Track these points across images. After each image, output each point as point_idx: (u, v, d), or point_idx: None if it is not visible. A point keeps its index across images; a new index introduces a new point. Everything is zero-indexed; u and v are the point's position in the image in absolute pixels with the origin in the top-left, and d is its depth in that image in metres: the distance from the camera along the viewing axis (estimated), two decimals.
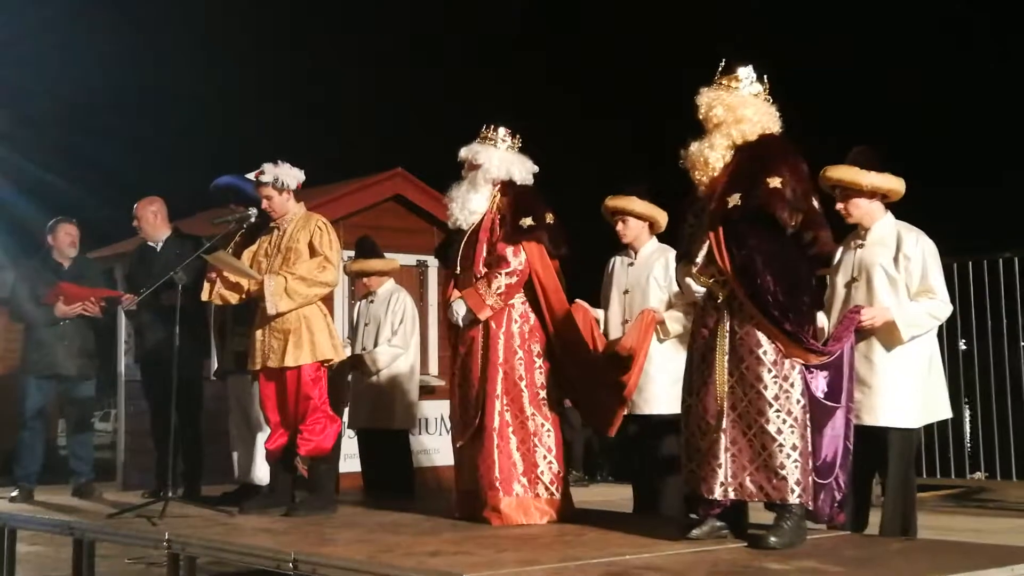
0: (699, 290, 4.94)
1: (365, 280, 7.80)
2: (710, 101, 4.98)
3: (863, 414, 5.32)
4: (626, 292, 6.56)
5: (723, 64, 5.06)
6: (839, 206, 5.50)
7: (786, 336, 4.77)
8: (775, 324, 4.76)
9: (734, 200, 4.81)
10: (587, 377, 5.95)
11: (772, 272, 4.77)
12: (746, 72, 5.04)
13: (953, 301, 5.67)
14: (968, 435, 10.57)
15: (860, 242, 5.55)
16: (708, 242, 4.91)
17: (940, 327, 5.67)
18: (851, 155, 5.57)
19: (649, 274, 6.45)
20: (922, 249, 5.45)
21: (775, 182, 4.75)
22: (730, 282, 4.83)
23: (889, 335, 5.36)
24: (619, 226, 6.60)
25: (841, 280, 5.54)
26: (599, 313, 6.64)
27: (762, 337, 4.79)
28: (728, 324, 4.84)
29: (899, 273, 5.43)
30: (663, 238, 6.60)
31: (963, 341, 10.42)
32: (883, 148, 5.62)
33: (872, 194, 5.50)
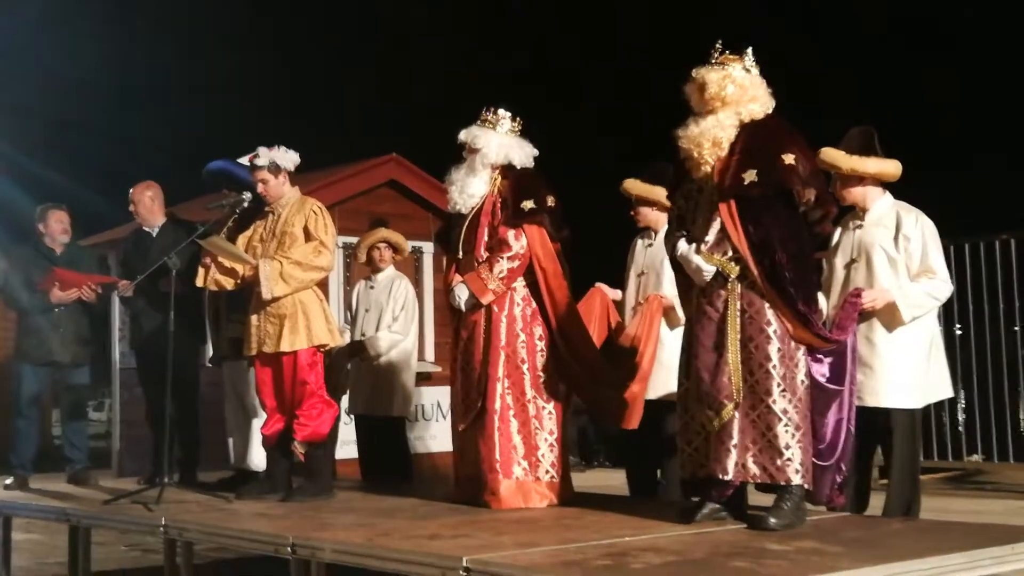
0: (709, 270, 4.86)
1: (377, 257, 7.71)
2: (720, 79, 4.93)
3: (865, 396, 5.31)
4: (641, 274, 6.55)
5: (721, 44, 5.03)
6: (836, 188, 5.48)
7: (797, 318, 4.76)
8: (789, 305, 4.75)
9: (750, 176, 4.77)
10: (589, 374, 5.91)
11: (788, 251, 4.77)
12: (749, 52, 5.01)
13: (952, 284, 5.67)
14: (964, 418, 10.58)
15: (859, 223, 5.54)
16: (718, 220, 4.86)
17: (936, 309, 5.66)
18: (848, 136, 5.56)
19: (664, 257, 6.41)
20: (922, 229, 5.44)
21: (789, 159, 4.75)
22: (744, 259, 4.79)
23: (890, 316, 5.35)
24: (633, 211, 6.61)
25: (840, 261, 5.53)
26: (618, 294, 6.63)
27: (771, 316, 4.77)
28: (739, 303, 4.82)
29: (899, 254, 5.42)
30: None
31: (959, 325, 10.43)
32: (876, 130, 5.60)
33: (864, 178, 5.49)
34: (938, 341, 5.56)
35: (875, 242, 5.44)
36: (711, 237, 4.89)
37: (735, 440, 4.73)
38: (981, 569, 4.23)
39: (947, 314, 10.10)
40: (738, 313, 4.80)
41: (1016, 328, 10.18)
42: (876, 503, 5.52)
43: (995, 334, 10.10)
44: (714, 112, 4.93)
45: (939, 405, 9.59)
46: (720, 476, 4.73)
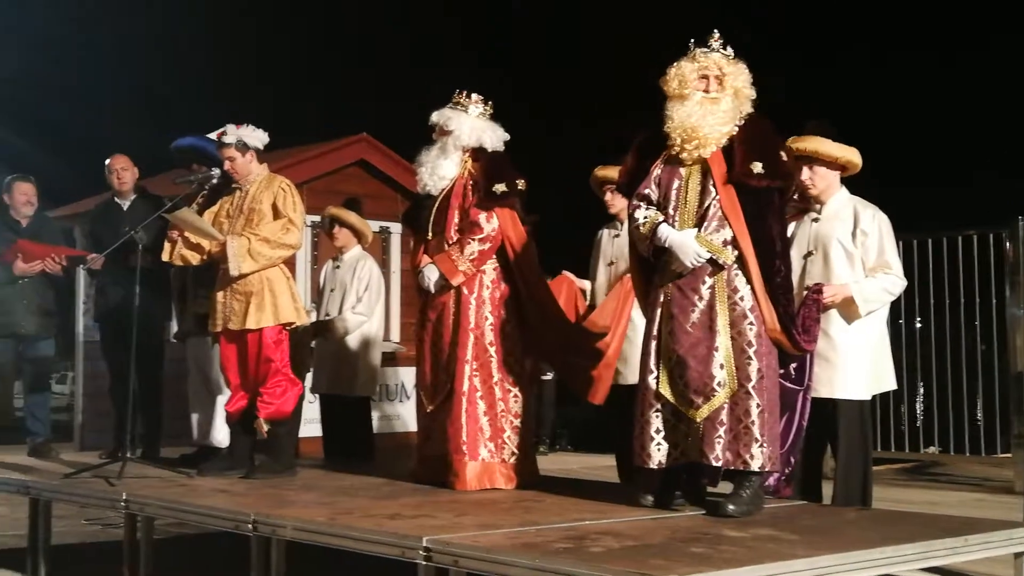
0: (704, 255, 4.84)
1: (336, 240, 7.72)
2: (738, 69, 4.98)
3: (819, 386, 5.37)
4: (611, 264, 6.58)
5: (718, 33, 5.06)
6: (804, 176, 5.50)
7: (779, 316, 4.83)
8: (777, 302, 4.83)
9: (758, 168, 4.82)
10: (562, 343, 5.98)
11: (783, 245, 4.88)
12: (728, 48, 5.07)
13: (910, 278, 5.73)
14: (923, 410, 10.69)
15: (816, 216, 5.57)
16: (715, 207, 4.88)
17: (896, 304, 5.72)
18: (811, 126, 5.58)
19: None
20: (878, 224, 5.49)
21: (784, 156, 4.84)
22: (741, 248, 4.82)
23: (847, 310, 5.41)
24: (607, 196, 6.62)
25: (797, 253, 5.54)
26: (586, 284, 6.66)
27: (753, 302, 4.82)
28: (726, 290, 4.85)
29: (856, 248, 5.47)
30: None
31: (919, 319, 10.53)
32: (834, 121, 5.65)
33: (837, 166, 5.53)
34: (885, 334, 5.63)
35: (832, 235, 5.48)
36: (712, 223, 4.88)
37: (726, 426, 4.75)
38: (935, 559, 4.31)
39: (908, 308, 10.20)
40: (726, 300, 4.84)
41: (976, 323, 10.28)
42: (829, 492, 5.59)
43: (955, 329, 10.20)
44: (721, 100, 4.95)
45: (898, 397, 9.72)
46: (713, 462, 4.73)
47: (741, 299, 4.84)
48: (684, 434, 4.84)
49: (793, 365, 5.18)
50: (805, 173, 5.47)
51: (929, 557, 4.25)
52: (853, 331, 5.43)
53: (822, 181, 5.51)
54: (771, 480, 5.14)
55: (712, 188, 4.91)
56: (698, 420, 4.77)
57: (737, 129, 4.96)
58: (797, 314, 5.13)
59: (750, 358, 4.78)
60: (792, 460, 5.26)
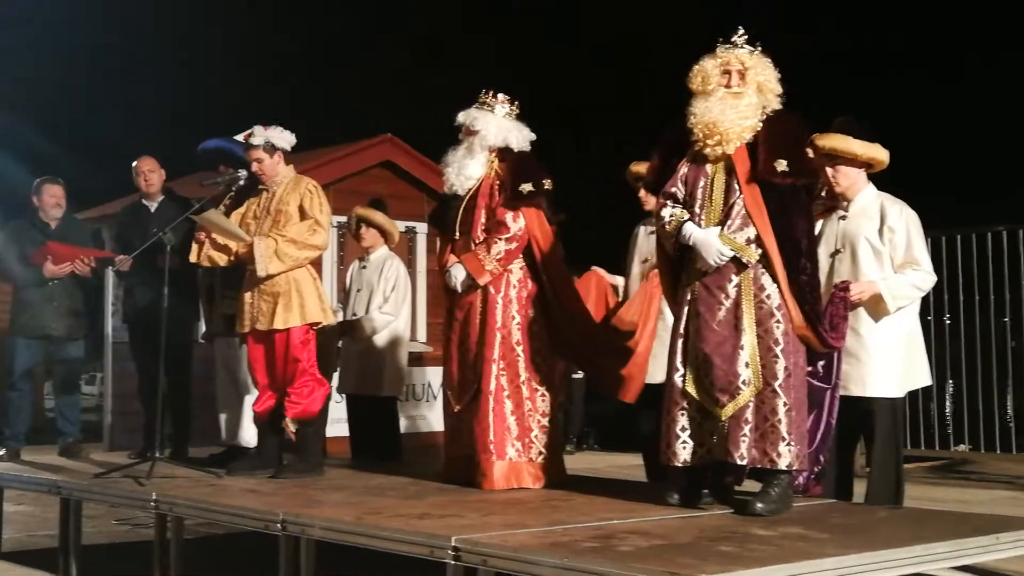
0: (729, 255, 4.85)
1: (363, 240, 7.74)
2: (763, 64, 4.97)
3: (850, 385, 5.34)
4: (645, 260, 6.56)
5: (743, 30, 5.04)
6: (828, 174, 5.48)
7: (806, 316, 4.82)
8: (803, 300, 4.80)
9: (782, 166, 4.80)
10: (588, 342, 5.97)
11: (807, 242, 4.83)
12: (757, 45, 5.05)
13: (940, 274, 5.69)
14: (952, 408, 10.63)
15: (843, 213, 5.53)
16: (739, 204, 4.87)
17: (925, 300, 5.68)
18: (837, 123, 5.55)
19: None
20: (906, 221, 5.46)
21: (811, 152, 4.82)
22: (766, 246, 4.80)
23: (875, 307, 5.38)
24: (642, 192, 6.60)
25: (824, 251, 5.51)
26: (618, 280, 6.64)
27: (780, 299, 4.80)
28: (752, 288, 4.83)
29: (884, 245, 5.43)
30: None
31: (948, 315, 10.47)
32: (866, 118, 5.62)
33: (861, 163, 5.49)
34: (918, 330, 5.59)
35: (860, 233, 5.45)
36: (735, 221, 4.87)
37: (751, 424, 4.74)
38: (966, 558, 4.28)
39: (937, 305, 10.15)
40: (751, 298, 4.82)
41: (1005, 319, 10.23)
42: (861, 491, 5.56)
43: (984, 325, 10.14)
44: (746, 96, 4.94)
45: (927, 395, 9.67)
46: (738, 461, 4.72)
47: (768, 297, 4.82)
48: (710, 432, 4.82)
49: (821, 363, 5.16)
50: (829, 171, 5.44)
51: (960, 556, 4.23)
52: (883, 328, 5.39)
53: (845, 179, 5.48)
54: (800, 479, 5.12)
55: (737, 186, 4.89)
56: (723, 418, 4.75)
57: (762, 125, 4.94)
58: (824, 311, 5.10)
59: (777, 356, 4.76)
60: (821, 458, 5.23)
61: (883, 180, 5.64)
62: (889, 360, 5.40)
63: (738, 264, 4.84)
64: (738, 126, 4.91)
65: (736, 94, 4.94)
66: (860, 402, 5.38)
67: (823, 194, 4.99)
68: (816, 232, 5.51)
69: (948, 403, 10.61)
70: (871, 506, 5.25)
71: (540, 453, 5.77)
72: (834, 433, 5.28)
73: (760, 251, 4.83)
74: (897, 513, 5.05)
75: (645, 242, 6.63)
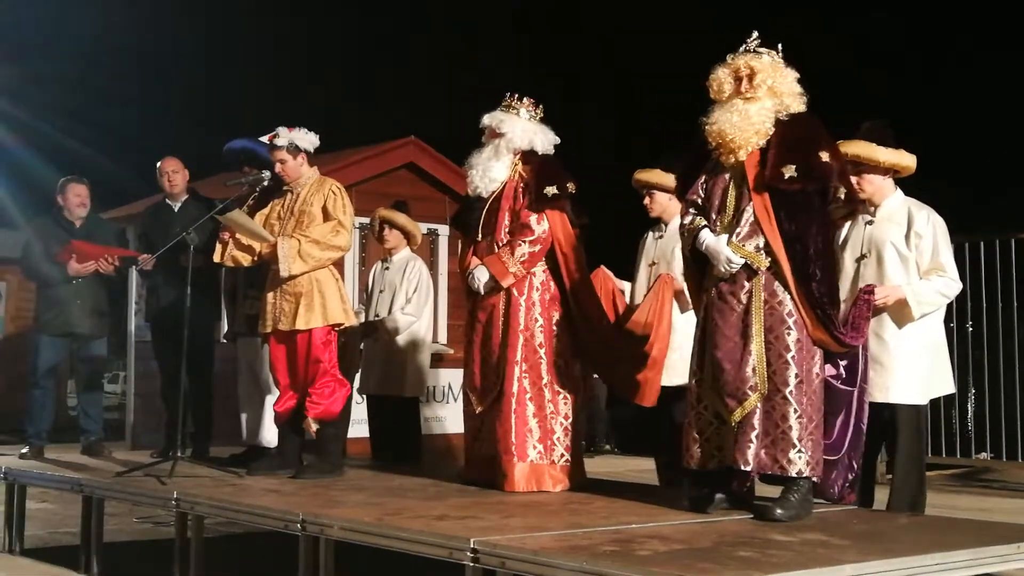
0: (738, 261, 4.85)
1: (386, 242, 7.77)
2: (771, 68, 4.96)
3: (873, 391, 5.31)
4: (652, 264, 6.56)
5: (756, 34, 5.04)
6: (853, 181, 5.46)
7: (819, 318, 4.80)
8: (813, 304, 4.78)
9: (790, 171, 4.79)
10: (606, 348, 5.97)
11: (817, 248, 4.80)
12: (779, 47, 5.04)
13: (964, 281, 5.66)
14: (974, 416, 10.58)
15: (870, 218, 5.52)
16: (749, 211, 4.86)
17: (948, 306, 5.65)
18: (863, 130, 5.54)
19: (676, 246, 6.42)
20: (933, 226, 5.44)
21: (826, 156, 4.80)
22: (775, 253, 4.80)
23: (900, 313, 5.36)
24: (646, 199, 6.60)
25: (850, 256, 5.51)
26: (624, 284, 6.65)
27: (792, 306, 4.79)
28: (763, 294, 4.83)
29: (910, 251, 5.41)
30: None
31: (971, 322, 10.41)
32: (892, 124, 5.60)
33: (886, 170, 5.48)
34: (942, 337, 5.57)
35: (886, 238, 5.43)
36: (744, 229, 4.87)
37: (757, 430, 4.75)
38: (986, 566, 4.25)
39: (960, 311, 10.10)
40: (762, 304, 4.83)
41: None
42: (882, 498, 5.54)
43: (1007, 332, 10.09)
44: (758, 100, 4.94)
45: (949, 403, 9.62)
46: (742, 467, 4.73)
47: (779, 304, 4.82)
48: (724, 437, 4.85)
49: (843, 363, 5.13)
50: (853, 178, 5.43)
51: (981, 564, 4.20)
52: (907, 335, 5.37)
53: (869, 186, 5.46)
54: (835, 488, 5.11)
55: (748, 193, 4.90)
56: (733, 424, 4.77)
57: (774, 129, 4.93)
58: (848, 313, 5.10)
59: (787, 363, 4.76)
60: (855, 465, 5.20)
61: (911, 184, 5.61)
62: (913, 367, 5.38)
63: (750, 271, 4.86)
64: (746, 133, 4.91)
65: (749, 99, 4.95)
66: (881, 408, 5.37)
67: (840, 197, 4.95)
68: (842, 237, 5.52)
69: (970, 411, 10.56)
70: (892, 513, 5.24)
71: (562, 456, 5.78)
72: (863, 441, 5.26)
73: (770, 259, 4.83)
74: (917, 520, 5.03)
75: (652, 247, 6.63)
